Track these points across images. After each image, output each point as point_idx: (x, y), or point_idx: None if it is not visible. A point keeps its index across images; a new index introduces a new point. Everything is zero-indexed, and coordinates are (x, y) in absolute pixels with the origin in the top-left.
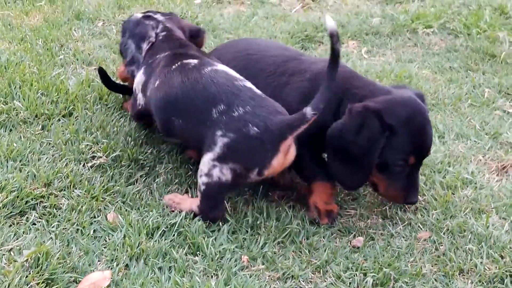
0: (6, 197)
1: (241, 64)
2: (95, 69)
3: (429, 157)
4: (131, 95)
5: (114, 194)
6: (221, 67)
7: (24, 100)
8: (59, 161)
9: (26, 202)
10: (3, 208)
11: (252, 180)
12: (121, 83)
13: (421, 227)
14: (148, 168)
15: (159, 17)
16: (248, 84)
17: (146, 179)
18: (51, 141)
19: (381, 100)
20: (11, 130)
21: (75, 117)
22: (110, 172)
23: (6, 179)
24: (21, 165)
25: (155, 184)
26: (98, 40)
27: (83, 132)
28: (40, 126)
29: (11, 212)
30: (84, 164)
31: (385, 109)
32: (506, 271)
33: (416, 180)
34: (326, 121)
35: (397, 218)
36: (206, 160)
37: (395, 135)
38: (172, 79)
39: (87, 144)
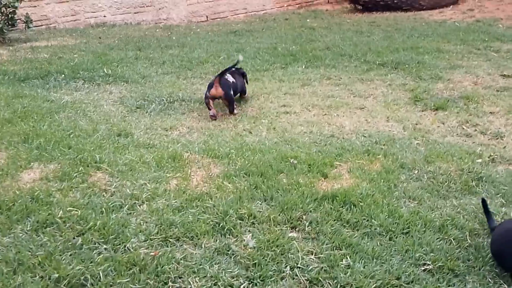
0: (374, 283)
1: None
2: (417, 203)
3: None
4: None
5: None
6: None
7: (377, 219)
8: (402, 262)
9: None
10: None
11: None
12: None
13: None
14: (460, 276)
15: None
16: None
17: (455, 282)
18: (396, 249)
19: None
20: (372, 238)
21: (410, 235)
22: (436, 276)
23: (373, 271)
24: (380, 262)
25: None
26: (415, 183)
27: (417, 245)
28: (388, 238)
29: None
30: (419, 267)
31: None
32: None
33: None
34: None
35: None
36: None
37: None
38: None
39: (420, 255)
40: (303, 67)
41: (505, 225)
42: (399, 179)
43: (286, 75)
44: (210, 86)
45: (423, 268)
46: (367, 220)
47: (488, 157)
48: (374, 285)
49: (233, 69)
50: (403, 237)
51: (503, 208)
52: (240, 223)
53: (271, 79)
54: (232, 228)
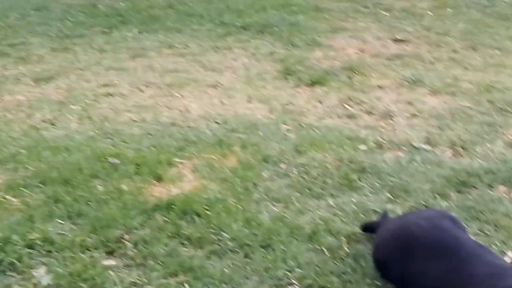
0: None
1: None
2: (283, 206)
3: None
4: None
5: None
6: None
7: (230, 232)
8: (262, 285)
9: None
10: None
11: None
12: None
13: None
14: None
15: None
16: None
17: None
18: (254, 268)
19: None
20: (221, 257)
21: (272, 248)
22: None
23: None
24: (231, 287)
25: None
26: (283, 180)
27: (280, 261)
28: (244, 254)
29: None
30: None
31: None
32: None
33: None
34: None
35: None
36: None
37: None
38: None
39: (284, 272)
40: (135, 31)
41: (389, 227)
42: (260, 177)
43: (110, 43)
44: None
45: None
46: (216, 234)
47: (374, 143)
48: None
49: None
50: (263, 252)
51: (389, 204)
52: (29, 253)
53: (88, 49)
54: (16, 262)
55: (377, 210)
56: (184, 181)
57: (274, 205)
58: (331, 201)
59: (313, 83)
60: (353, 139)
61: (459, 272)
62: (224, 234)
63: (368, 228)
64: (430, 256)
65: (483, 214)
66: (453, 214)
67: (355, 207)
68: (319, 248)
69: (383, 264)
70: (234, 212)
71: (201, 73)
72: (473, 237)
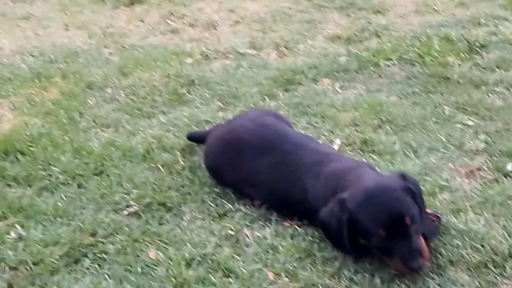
0: (61, 250)
1: None
2: (114, 130)
3: (408, 170)
4: None
5: (151, 235)
6: None
7: (59, 165)
8: (99, 213)
9: (79, 251)
10: (61, 259)
11: None
12: None
13: None
14: (175, 209)
15: None
16: None
17: (175, 219)
18: (89, 197)
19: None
20: (53, 192)
21: (106, 174)
22: (144, 217)
23: (58, 234)
24: (68, 220)
25: (183, 222)
26: (110, 105)
27: (116, 185)
28: (77, 185)
29: (68, 262)
30: (121, 213)
31: (349, 196)
32: (488, 258)
33: (409, 246)
34: None
35: None
36: None
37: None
38: None
39: (121, 196)
40: None
41: (216, 133)
42: (86, 105)
43: None
44: None
45: (126, 213)
46: (44, 170)
47: (200, 54)
48: (62, 253)
49: None
50: (97, 180)
51: (221, 112)
52: None
53: None
54: None
55: (210, 120)
56: (3, 121)
57: (103, 131)
58: (162, 118)
59: (132, 3)
60: (178, 54)
61: (287, 164)
62: (54, 168)
63: (194, 137)
64: (258, 153)
65: (310, 108)
66: (282, 112)
67: (188, 120)
68: (155, 166)
69: (216, 171)
70: (62, 145)
71: (9, 5)
72: (302, 131)
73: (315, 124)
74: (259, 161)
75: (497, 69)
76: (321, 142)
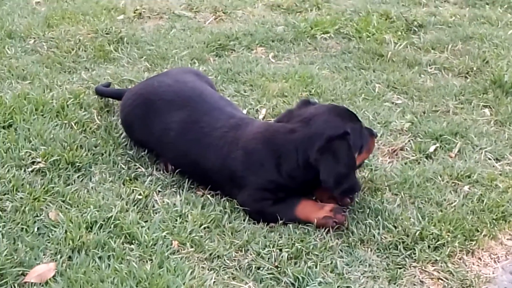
0: None
1: None
2: (29, 83)
3: None
4: None
5: (54, 195)
6: None
7: None
8: (1, 167)
9: None
10: None
11: None
12: None
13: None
14: (84, 169)
15: None
16: None
17: (82, 179)
18: None
19: None
20: None
21: (15, 128)
22: (49, 175)
23: None
24: None
25: (91, 183)
26: (31, 57)
27: (23, 140)
28: None
29: None
30: (25, 169)
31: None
32: (399, 239)
33: None
34: None
35: None
36: None
37: None
38: None
39: (27, 151)
40: None
41: (134, 88)
42: (4, 54)
43: None
44: None
45: (31, 169)
46: None
47: (134, 12)
48: None
49: None
50: (3, 133)
51: (146, 73)
52: None
53: None
54: None
55: (133, 79)
56: None
57: (18, 83)
58: (84, 75)
59: None
60: (110, 10)
61: (201, 125)
62: None
63: (101, 91)
64: (172, 109)
65: (240, 75)
66: (210, 78)
67: (111, 78)
68: (68, 123)
69: (128, 124)
70: None
71: None
72: (229, 98)
73: (243, 92)
74: (172, 117)
75: (432, 50)
76: (236, 106)
